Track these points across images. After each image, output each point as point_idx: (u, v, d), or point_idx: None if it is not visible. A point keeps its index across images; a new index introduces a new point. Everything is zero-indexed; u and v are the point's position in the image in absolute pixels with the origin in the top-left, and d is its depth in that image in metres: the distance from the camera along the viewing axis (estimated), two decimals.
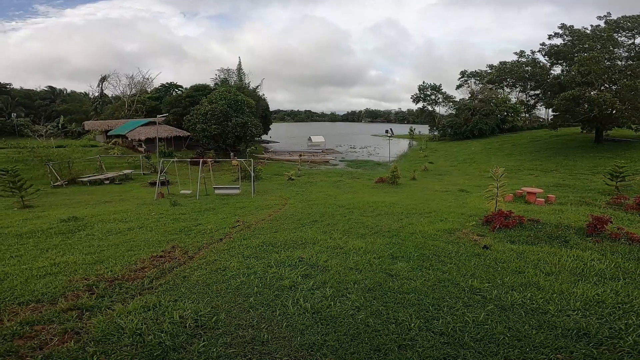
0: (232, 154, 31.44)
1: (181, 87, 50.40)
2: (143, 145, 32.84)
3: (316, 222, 7.77)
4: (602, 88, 26.28)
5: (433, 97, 64.17)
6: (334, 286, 4.05)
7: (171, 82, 51.86)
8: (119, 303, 3.74)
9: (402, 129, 78.13)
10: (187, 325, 3.24)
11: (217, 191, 14.54)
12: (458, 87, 60.53)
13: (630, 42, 28.01)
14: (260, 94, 46.12)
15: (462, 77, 60.28)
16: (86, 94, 63.62)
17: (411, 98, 65.71)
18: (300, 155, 35.12)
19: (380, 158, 36.59)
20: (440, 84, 63.58)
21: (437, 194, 14.41)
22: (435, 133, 57.46)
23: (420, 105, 65.94)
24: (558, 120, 29.78)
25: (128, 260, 5.23)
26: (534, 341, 2.86)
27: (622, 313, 3.26)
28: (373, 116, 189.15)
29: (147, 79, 54.16)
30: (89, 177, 20.94)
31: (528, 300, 3.58)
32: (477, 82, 57.28)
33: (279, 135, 65.19)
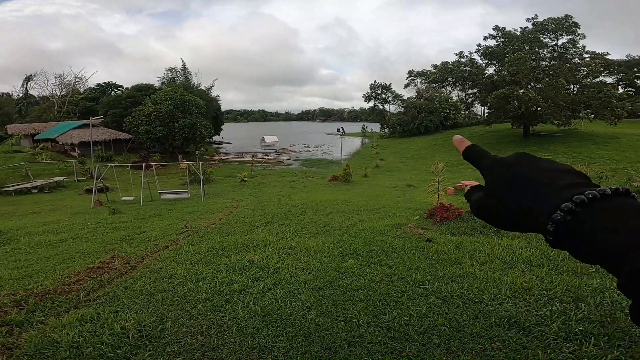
0: (180, 156, 29.97)
1: (121, 87, 47.05)
2: (77, 150, 30.14)
3: (268, 224, 7.69)
4: (529, 87, 29.06)
5: (384, 95, 66.50)
6: (284, 287, 4.05)
7: (109, 82, 48.16)
8: (52, 317, 3.51)
9: (356, 127, 79.90)
10: (130, 335, 3.11)
11: (163, 196, 13.79)
12: (406, 86, 63.28)
13: (553, 43, 31.06)
14: (214, 95, 44.73)
15: (409, 77, 63.14)
16: (9, 95, 56.86)
17: (363, 97, 67.50)
18: (253, 156, 34.48)
19: (334, 156, 37.12)
20: (390, 83, 66.19)
21: (387, 190, 14.98)
22: (386, 130, 59.60)
23: (371, 103, 67.97)
24: (491, 117, 32.56)
25: (60, 274, 4.86)
26: (471, 331, 3.02)
27: (547, 300, 3.49)
28: (327, 115, 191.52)
29: (80, 78, 49.90)
30: (13, 186, 18.74)
31: (465, 291, 3.80)
32: (423, 81, 60.38)
33: (232, 135, 63.42)
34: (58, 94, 47.07)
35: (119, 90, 45.93)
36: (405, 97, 62.94)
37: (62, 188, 20.03)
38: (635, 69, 47.63)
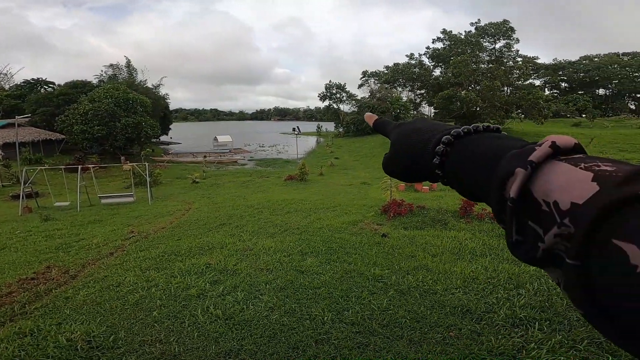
0: (122, 157, 27.92)
1: (52, 83, 42.87)
2: (0, 152, 26.87)
3: (224, 225, 7.44)
4: (470, 88, 31.40)
5: (338, 95, 67.40)
6: (245, 289, 3.95)
7: (39, 78, 43.55)
8: None
9: (311, 126, 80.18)
10: (79, 347, 2.88)
11: (103, 200, 12.74)
12: (360, 86, 64.63)
13: (492, 47, 33.81)
14: (162, 93, 42.44)
15: (363, 77, 64.74)
16: None
17: (318, 96, 67.76)
18: (205, 156, 33.15)
19: (289, 156, 36.96)
20: (345, 83, 66.98)
21: (342, 188, 15.25)
22: (341, 130, 60.53)
23: (326, 103, 68.51)
24: (437, 117, 34.72)
25: None
26: (430, 321, 3.16)
27: (492, 287, 3.73)
28: (282, 114, 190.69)
29: (5, 74, 44.63)
30: None
31: (421, 283, 3.96)
32: (376, 81, 62.24)
33: (181, 135, 60.49)
34: None
35: (50, 87, 41.80)
36: (359, 97, 64.40)
37: None
38: (560, 72, 53.53)
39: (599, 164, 0.25)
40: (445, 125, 0.42)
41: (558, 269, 0.25)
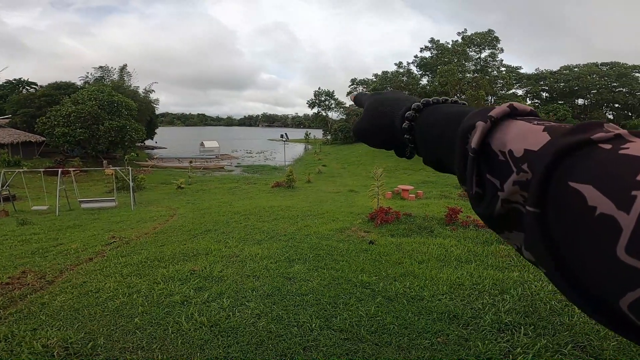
0: (104, 161, 27.28)
1: (35, 84, 41.98)
2: None
3: (209, 232, 7.32)
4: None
5: (327, 102, 67.91)
6: (231, 296, 3.87)
7: (20, 79, 42.50)
8: None
9: (299, 133, 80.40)
10: (55, 354, 2.78)
11: (84, 205, 12.38)
12: (348, 93, 65.29)
13: (477, 56, 34.70)
14: (153, 98, 42.04)
15: (352, 85, 65.51)
16: None
17: (307, 103, 68.17)
18: (191, 162, 32.73)
19: (277, 162, 36.91)
20: (334, 90, 67.69)
21: (330, 195, 15.26)
22: (328, 137, 60.85)
23: (315, 110, 68.93)
24: None
25: None
26: (418, 327, 3.16)
27: (477, 294, 3.78)
28: (270, 121, 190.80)
29: None
30: None
31: (408, 289, 3.96)
32: (365, 89, 62.94)
33: (168, 140, 59.64)
34: None
35: (33, 88, 40.84)
36: (347, 105, 65.04)
37: None
38: (541, 82, 54.63)
39: (551, 122, 0.27)
40: (414, 97, 0.46)
41: (517, 232, 0.26)
